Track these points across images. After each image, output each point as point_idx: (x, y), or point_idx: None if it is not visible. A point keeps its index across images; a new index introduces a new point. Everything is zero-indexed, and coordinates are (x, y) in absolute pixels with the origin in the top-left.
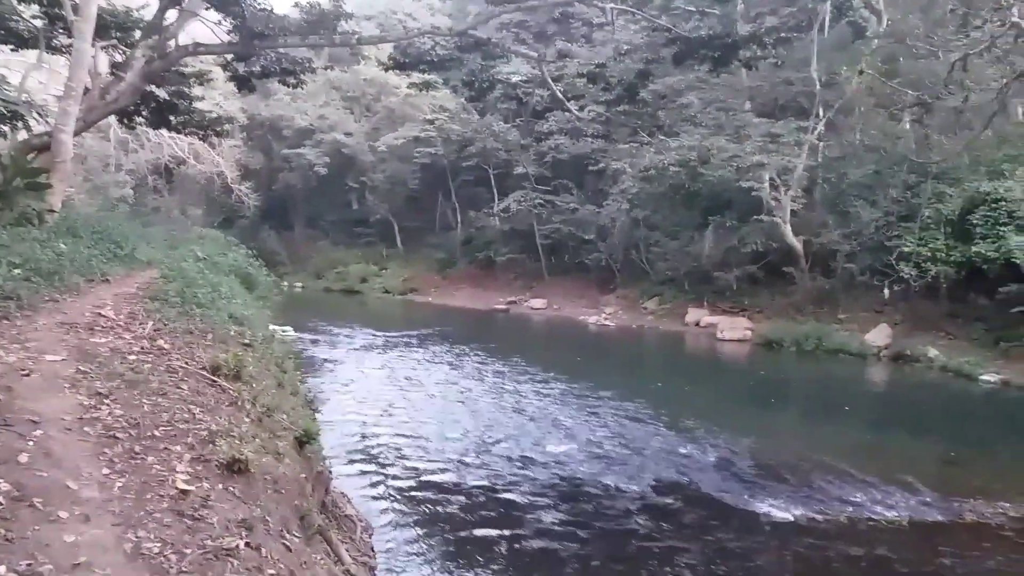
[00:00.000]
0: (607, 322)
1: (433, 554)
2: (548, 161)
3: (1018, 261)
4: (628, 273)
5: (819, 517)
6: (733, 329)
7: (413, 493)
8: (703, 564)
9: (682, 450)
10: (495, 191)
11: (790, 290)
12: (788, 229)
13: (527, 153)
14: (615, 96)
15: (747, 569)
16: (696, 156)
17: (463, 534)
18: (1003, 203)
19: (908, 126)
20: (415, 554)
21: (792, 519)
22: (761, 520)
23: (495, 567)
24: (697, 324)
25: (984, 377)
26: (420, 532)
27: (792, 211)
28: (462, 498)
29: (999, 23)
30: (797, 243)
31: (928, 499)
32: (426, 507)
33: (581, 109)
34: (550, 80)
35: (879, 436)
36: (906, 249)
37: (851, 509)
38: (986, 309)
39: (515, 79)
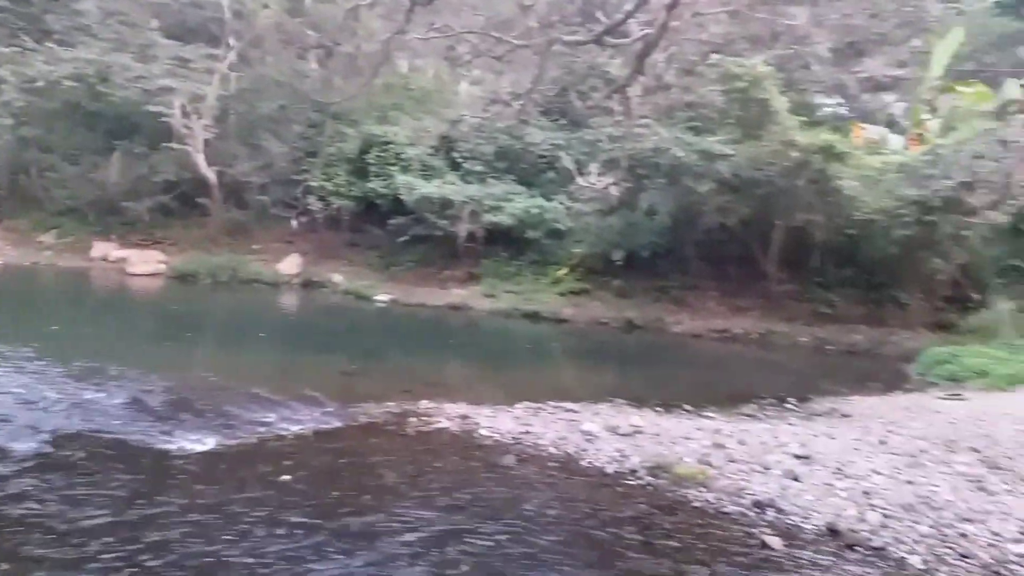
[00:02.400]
0: None
1: None
2: None
3: (403, 197)
4: (17, 202)
5: (232, 442)
6: (145, 263)
7: None
8: (112, 515)
9: (85, 396)
10: None
11: (205, 222)
12: (201, 159)
13: None
14: None
15: (158, 508)
16: (94, 72)
17: None
18: (391, 146)
19: (314, 66)
20: None
21: (205, 449)
22: (174, 455)
23: None
24: (105, 259)
25: (377, 298)
26: None
27: (205, 141)
28: None
29: None
30: (211, 174)
31: (330, 409)
32: None
33: None
34: None
35: (291, 357)
36: (312, 184)
37: (263, 429)
38: (380, 239)
39: None
